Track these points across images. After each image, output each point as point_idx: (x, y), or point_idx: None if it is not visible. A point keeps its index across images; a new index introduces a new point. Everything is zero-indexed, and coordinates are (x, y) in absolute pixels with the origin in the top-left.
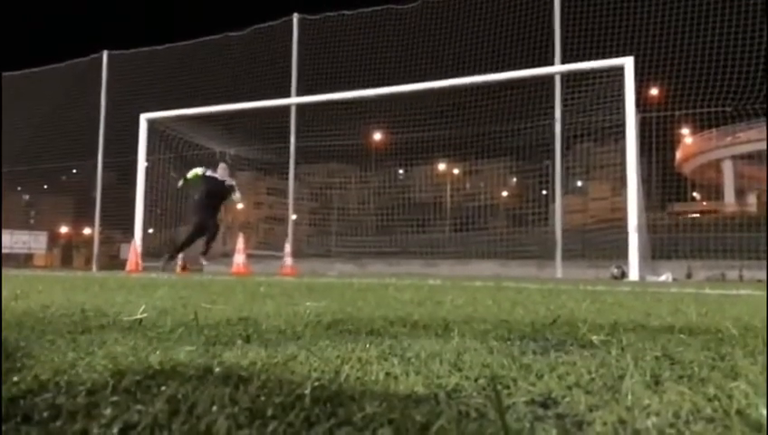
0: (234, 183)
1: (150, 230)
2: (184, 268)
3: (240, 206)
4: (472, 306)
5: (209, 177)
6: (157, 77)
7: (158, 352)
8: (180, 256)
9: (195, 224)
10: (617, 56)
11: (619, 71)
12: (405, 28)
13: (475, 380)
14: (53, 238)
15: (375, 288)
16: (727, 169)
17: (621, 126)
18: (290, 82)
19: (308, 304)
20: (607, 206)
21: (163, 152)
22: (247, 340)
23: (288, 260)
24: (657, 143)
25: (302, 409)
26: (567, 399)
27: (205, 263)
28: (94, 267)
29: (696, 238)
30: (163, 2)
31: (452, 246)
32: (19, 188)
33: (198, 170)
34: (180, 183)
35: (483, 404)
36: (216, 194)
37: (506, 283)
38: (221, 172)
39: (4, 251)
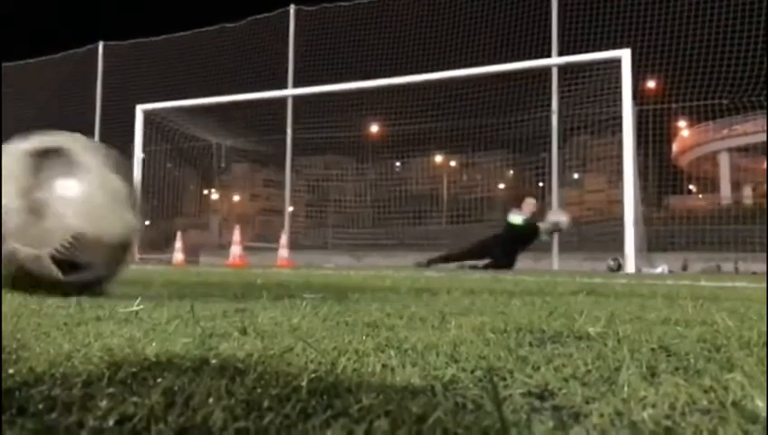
0: (538, 222)
1: (146, 222)
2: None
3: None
4: (468, 298)
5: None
6: (153, 68)
7: (154, 344)
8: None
9: (482, 246)
10: (614, 48)
11: (616, 63)
12: (402, 19)
13: (472, 371)
14: None
15: (372, 280)
16: (723, 161)
17: (618, 118)
18: (286, 73)
19: (305, 295)
20: (603, 198)
21: (159, 143)
22: (243, 332)
23: (284, 252)
24: (653, 136)
25: (298, 400)
26: (563, 391)
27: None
28: None
29: (692, 231)
30: None
31: (449, 238)
32: None
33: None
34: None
35: (479, 396)
36: (518, 236)
37: (503, 274)
38: (526, 209)
39: None
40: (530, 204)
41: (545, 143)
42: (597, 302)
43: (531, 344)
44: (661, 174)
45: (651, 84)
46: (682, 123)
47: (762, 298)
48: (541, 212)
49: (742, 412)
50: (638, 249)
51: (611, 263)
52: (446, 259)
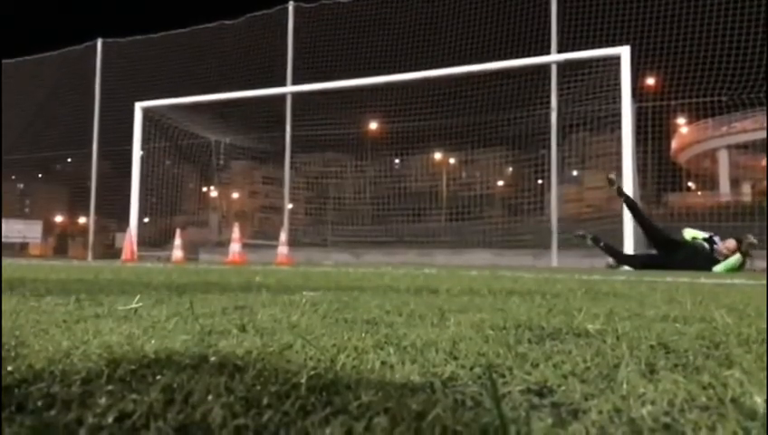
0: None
1: (146, 219)
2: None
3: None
4: (467, 295)
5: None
6: (151, 65)
7: (153, 341)
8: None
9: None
10: (613, 45)
11: (616, 60)
12: (401, 16)
13: (471, 368)
14: (48, 228)
15: (371, 277)
16: (723, 158)
17: (617, 115)
18: (285, 70)
19: (304, 293)
20: (602, 195)
21: (158, 141)
22: (243, 329)
23: (284, 249)
24: (652, 133)
25: (297, 397)
26: (562, 387)
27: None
28: (89, 256)
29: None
30: None
31: (448, 235)
32: (13, 177)
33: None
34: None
35: (478, 393)
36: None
37: (502, 272)
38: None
39: None
40: (731, 243)
41: (544, 140)
42: (596, 299)
43: (530, 341)
44: (660, 171)
45: (650, 81)
46: (681, 120)
47: (761, 295)
48: None
49: (740, 409)
50: (636, 246)
51: (610, 260)
52: (619, 257)
